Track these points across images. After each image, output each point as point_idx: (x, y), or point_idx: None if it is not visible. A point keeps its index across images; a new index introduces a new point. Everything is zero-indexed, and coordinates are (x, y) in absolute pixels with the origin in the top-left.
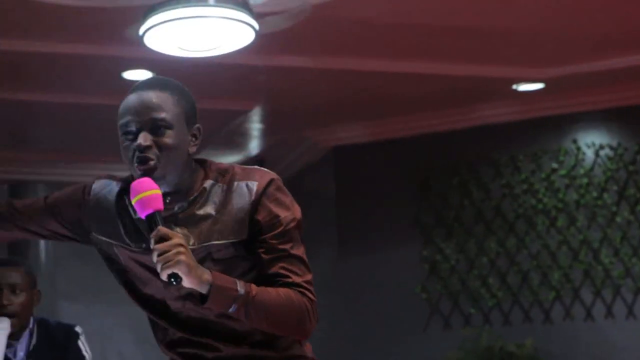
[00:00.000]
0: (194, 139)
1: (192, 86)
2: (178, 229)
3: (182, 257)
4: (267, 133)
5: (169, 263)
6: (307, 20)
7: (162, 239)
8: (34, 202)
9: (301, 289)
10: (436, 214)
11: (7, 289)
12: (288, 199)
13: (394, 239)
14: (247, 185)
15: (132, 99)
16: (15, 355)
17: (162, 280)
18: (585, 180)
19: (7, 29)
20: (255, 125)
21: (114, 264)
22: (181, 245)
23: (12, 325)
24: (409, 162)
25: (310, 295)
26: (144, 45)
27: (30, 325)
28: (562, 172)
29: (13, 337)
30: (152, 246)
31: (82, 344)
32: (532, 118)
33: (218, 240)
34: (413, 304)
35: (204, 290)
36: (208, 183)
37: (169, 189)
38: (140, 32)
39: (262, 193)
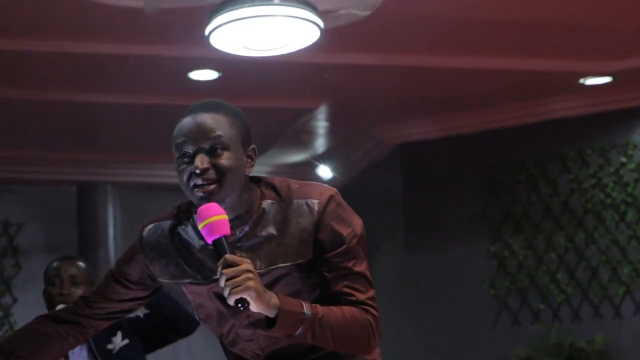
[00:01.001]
0: (249, 160)
1: (258, 85)
2: (243, 254)
3: (251, 283)
4: (333, 131)
5: (238, 288)
6: (372, 17)
7: (230, 265)
8: (102, 282)
9: (365, 307)
10: (504, 210)
11: (68, 280)
12: (349, 214)
13: (461, 235)
14: (307, 204)
15: (187, 121)
16: None
17: (228, 306)
18: None
19: (75, 32)
20: (321, 124)
21: (192, 310)
22: (249, 270)
23: None
24: (475, 157)
25: (373, 311)
26: (210, 45)
27: None
28: (631, 166)
29: None
30: (219, 271)
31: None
32: (599, 112)
33: (284, 262)
34: (481, 300)
35: (271, 314)
36: (266, 203)
37: (230, 214)
38: (207, 32)
39: (324, 212)
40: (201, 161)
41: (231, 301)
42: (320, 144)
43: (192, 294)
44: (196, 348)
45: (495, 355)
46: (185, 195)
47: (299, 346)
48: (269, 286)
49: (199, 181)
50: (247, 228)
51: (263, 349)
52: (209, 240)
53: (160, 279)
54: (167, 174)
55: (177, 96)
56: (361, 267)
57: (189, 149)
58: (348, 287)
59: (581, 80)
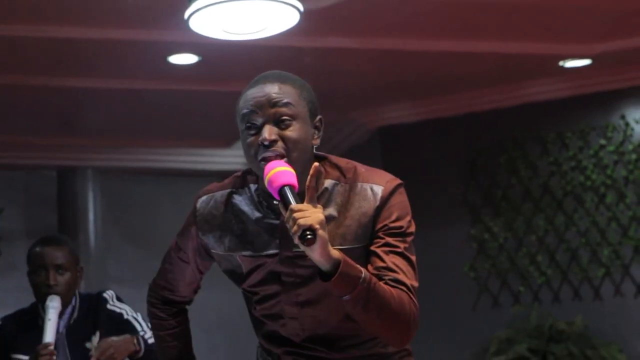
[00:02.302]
0: (317, 131)
1: (237, 69)
2: None
3: (321, 216)
4: None
5: (307, 218)
6: (352, 0)
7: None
8: (168, 265)
9: (410, 293)
10: (484, 193)
11: (53, 269)
12: (408, 206)
13: (441, 218)
14: (371, 189)
15: (253, 91)
16: (58, 331)
17: (281, 281)
18: (633, 156)
19: (55, 17)
20: None
21: (240, 281)
22: (320, 216)
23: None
24: (455, 141)
25: (415, 300)
26: (190, 29)
27: (74, 303)
28: (611, 148)
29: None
30: (286, 218)
31: (112, 306)
32: (579, 94)
33: (342, 245)
34: (462, 283)
35: (328, 266)
36: (329, 182)
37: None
38: (186, 15)
39: (387, 198)
40: (269, 132)
41: (299, 231)
42: None
43: (247, 265)
44: None
45: (475, 338)
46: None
47: (340, 334)
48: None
49: (268, 153)
50: None
51: (304, 330)
52: (275, 190)
53: (214, 251)
54: (147, 159)
55: (157, 80)
56: (412, 256)
57: (256, 120)
58: (396, 265)
59: (561, 63)
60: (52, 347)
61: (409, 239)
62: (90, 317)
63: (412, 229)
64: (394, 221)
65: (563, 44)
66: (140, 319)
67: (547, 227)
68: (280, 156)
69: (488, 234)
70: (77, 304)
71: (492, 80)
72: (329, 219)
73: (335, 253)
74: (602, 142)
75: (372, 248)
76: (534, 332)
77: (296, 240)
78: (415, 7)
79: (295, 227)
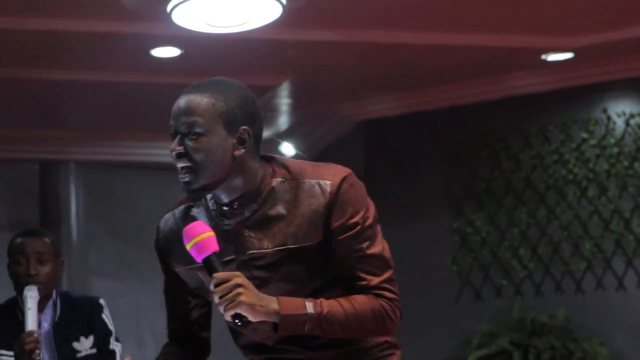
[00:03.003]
0: (241, 143)
1: (220, 62)
2: (252, 234)
3: (242, 298)
4: (296, 108)
5: (230, 305)
6: None
7: (220, 282)
8: (167, 301)
9: (378, 291)
10: (466, 186)
11: (34, 259)
12: (361, 194)
13: (424, 211)
14: (319, 185)
15: (176, 102)
16: (40, 326)
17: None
18: (616, 150)
19: (37, 9)
20: (284, 100)
21: (205, 293)
22: (239, 285)
23: (39, 293)
24: (438, 134)
25: (387, 294)
26: (172, 22)
27: (54, 297)
28: (593, 141)
29: (38, 309)
30: (211, 290)
31: (106, 317)
32: (561, 88)
33: (294, 244)
34: (444, 276)
35: (274, 319)
36: (276, 181)
37: (229, 197)
38: (168, 8)
39: (337, 193)
40: (174, 145)
41: (227, 318)
42: (284, 121)
43: (207, 279)
44: (160, 328)
45: (458, 331)
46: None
47: (311, 333)
48: (278, 266)
49: (178, 165)
50: (255, 206)
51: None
52: (199, 260)
53: (176, 269)
54: (130, 152)
55: (139, 73)
56: (376, 249)
57: (172, 130)
58: (361, 270)
59: (543, 56)
60: (36, 335)
61: (369, 231)
62: (83, 319)
63: (370, 219)
64: (349, 219)
65: (545, 37)
66: (118, 349)
67: (530, 221)
68: (187, 171)
69: (470, 227)
70: (58, 300)
71: (474, 73)
72: (278, 217)
73: (273, 307)
74: (584, 135)
75: (337, 255)
76: (516, 326)
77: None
78: (397, 0)
79: (224, 315)
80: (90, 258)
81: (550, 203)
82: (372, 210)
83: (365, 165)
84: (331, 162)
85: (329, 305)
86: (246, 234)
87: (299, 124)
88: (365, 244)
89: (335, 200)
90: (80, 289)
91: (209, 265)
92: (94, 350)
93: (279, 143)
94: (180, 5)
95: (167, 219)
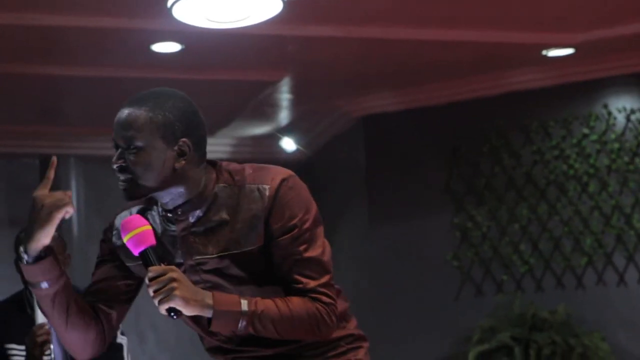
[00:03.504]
0: (179, 155)
1: (220, 57)
2: (197, 239)
3: (176, 292)
4: (297, 103)
5: (164, 299)
6: None
7: (154, 277)
8: (95, 272)
9: (314, 294)
10: (467, 182)
11: None
12: (302, 197)
13: (425, 207)
14: (258, 190)
15: (117, 114)
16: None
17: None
18: (616, 145)
19: (36, 4)
20: (284, 96)
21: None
22: (174, 279)
23: None
24: (439, 130)
25: (324, 298)
26: (173, 18)
27: None
28: (593, 137)
29: None
30: (146, 284)
31: None
32: (562, 84)
33: (235, 249)
34: (445, 272)
35: (208, 315)
36: (219, 187)
37: (174, 203)
38: (169, 4)
39: (275, 197)
40: (115, 159)
41: (162, 312)
42: (284, 116)
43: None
44: (160, 323)
45: (458, 327)
46: None
47: None
48: (225, 270)
49: (120, 176)
50: (199, 213)
51: (234, 334)
52: (135, 253)
53: (128, 264)
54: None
55: (140, 69)
56: (314, 252)
57: (113, 143)
58: (299, 274)
59: (544, 52)
60: (47, 327)
61: (307, 234)
62: None
63: (309, 222)
64: (286, 222)
65: (546, 33)
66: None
67: (530, 216)
68: (127, 181)
69: (471, 222)
70: None
71: (475, 69)
72: (222, 223)
73: (207, 302)
74: (585, 131)
75: (275, 258)
76: (516, 321)
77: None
78: None
79: (159, 309)
80: (90, 253)
81: (551, 198)
82: (313, 212)
83: (366, 161)
84: (332, 158)
85: (263, 304)
86: (191, 239)
87: (300, 120)
88: (302, 247)
89: (273, 204)
90: (81, 284)
91: (145, 259)
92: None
93: (279, 138)
94: (181, 1)
95: (123, 216)
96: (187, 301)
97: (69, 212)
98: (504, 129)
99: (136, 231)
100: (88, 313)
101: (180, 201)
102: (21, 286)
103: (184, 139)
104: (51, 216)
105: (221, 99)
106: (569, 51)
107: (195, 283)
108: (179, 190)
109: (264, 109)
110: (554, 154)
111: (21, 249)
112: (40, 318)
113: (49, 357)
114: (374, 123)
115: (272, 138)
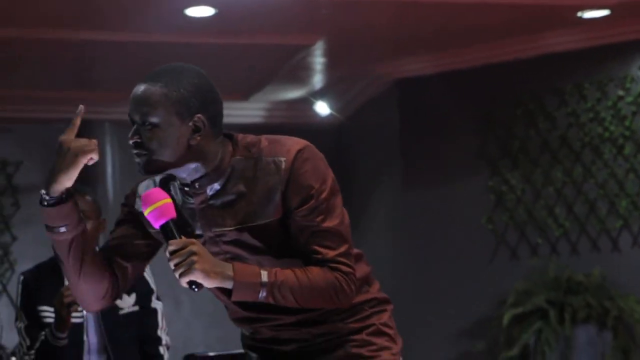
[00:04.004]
0: (196, 130)
1: (254, 21)
2: (215, 212)
3: (197, 265)
4: (330, 67)
5: (185, 272)
6: None
7: (175, 250)
8: (114, 230)
9: (333, 264)
10: (501, 145)
11: None
12: (318, 167)
13: (459, 170)
14: (274, 162)
15: (133, 90)
16: None
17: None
18: None
19: None
20: (318, 60)
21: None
22: (194, 252)
23: None
24: (473, 93)
25: (343, 267)
26: None
27: None
28: (629, 99)
29: None
30: (167, 256)
31: (148, 275)
32: (597, 45)
33: (253, 222)
34: (479, 236)
35: (229, 286)
36: (236, 160)
37: (191, 177)
38: None
39: (291, 169)
40: (131, 135)
41: (183, 284)
42: (318, 80)
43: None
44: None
45: (493, 290)
46: None
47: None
48: (244, 242)
49: (135, 151)
50: (217, 186)
51: (255, 303)
52: (156, 226)
53: (150, 231)
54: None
55: (173, 33)
56: (332, 222)
57: (129, 119)
58: (317, 244)
59: (579, 14)
60: None
61: (325, 204)
62: None
63: (326, 192)
64: (303, 194)
65: None
66: (160, 307)
67: (565, 179)
68: (141, 156)
69: (506, 186)
70: None
71: (509, 31)
72: (240, 195)
73: (228, 273)
74: (621, 93)
75: (293, 229)
76: (551, 284)
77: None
78: None
79: (180, 282)
80: None
81: (586, 161)
82: (330, 182)
83: (400, 124)
84: (366, 121)
85: (283, 274)
86: (210, 212)
87: (333, 84)
88: (319, 218)
89: (289, 176)
90: None
91: (166, 232)
92: (136, 308)
93: (313, 102)
94: None
95: (147, 185)
96: (207, 273)
97: (94, 158)
98: (538, 91)
99: (157, 204)
100: (103, 264)
101: (197, 175)
102: None
103: (199, 115)
104: (76, 159)
105: (255, 63)
106: (604, 12)
107: (215, 254)
108: (195, 165)
109: (298, 73)
110: (589, 116)
111: (42, 191)
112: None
113: (80, 318)
114: (408, 86)
115: (306, 102)
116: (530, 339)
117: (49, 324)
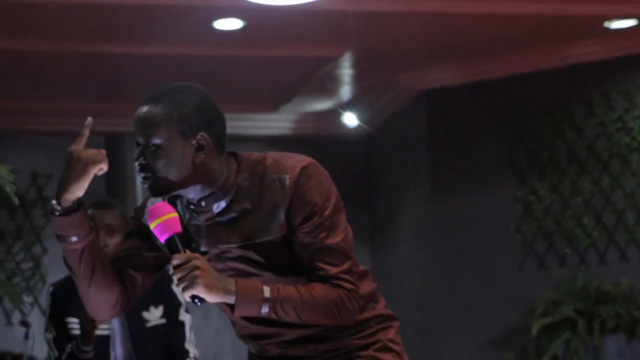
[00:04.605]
0: (198, 149)
1: (282, 33)
2: (221, 229)
3: (199, 280)
4: (358, 78)
5: (188, 286)
6: None
7: (179, 264)
8: (124, 242)
9: (336, 281)
10: (529, 155)
11: (104, 230)
12: (322, 184)
13: (487, 181)
14: (279, 180)
15: (136, 112)
16: None
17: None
18: None
19: None
20: (345, 71)
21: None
22: (197, 267)
23: None
24: (500, 103)
25: (346, 284)
26: None
27: None
28: None
29: None
30: (170, 271)
31: (176, 289)
32: (624, 55)
33: (259, 239)
34: (507, 246)
35: (231, 301)
36: (241, 178)
37: (197, 196)
38: None
39: (295, 186)
40: (137, 157)
41: (186, 298)
42: (345, 91)
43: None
44: None
45: (522, 300)
46: None
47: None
48: (249, 259)
49: (141, 174)
50: (223, 203)
51: (261, 319)
52: (162, 240)
53: (158, 244)
54: None
55: (202, 46)
56: (335, 239)
57: (135, 141)
58: (320, 261)
59: (606, 24)
60: None
61: (328, 221)
62: (152, 289)
63: (329, 209)
64: (307, 211)
65: (608, 5)
66: (188, 320)
67: (593, 189)
68: (149, 178)
69: (534, 196)
70: None
71: (536, 42)
72: (245, 213)
73: (230, 288)
74: None
75: (297, 246)
76: (580, 294)
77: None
78: None
79: (183, 296)
80: None
81: (614, 171)
82: (333, 199)
83: (428, 135)
84: (394, 133)
85: (286, 290)
86: (216, 229)
87: (361, 95)
88: (323, 234)
89: (293, 194)
90: None
91: (171, 246)
92: (163, 321)
93: (341, 114)
94: None
95: (154, 200)
96: (209, 288)
97: (103, 168)
98: (566, 101)
99: (163, 218)
100: (113, 275)
101: (203, 194)
102: None
103: (202, 133)
104: (86, 169)
105: (283, 75)
106: (631, 22)
107: (220, 271)
108: (201, 184)
109: (326, 85)
110: (617, 126)
111: (53, 201)
112: None
113: (106, 330)
114: (435, 97)
115: (334, 114)
116: (559, 349)
117: (76, 335)
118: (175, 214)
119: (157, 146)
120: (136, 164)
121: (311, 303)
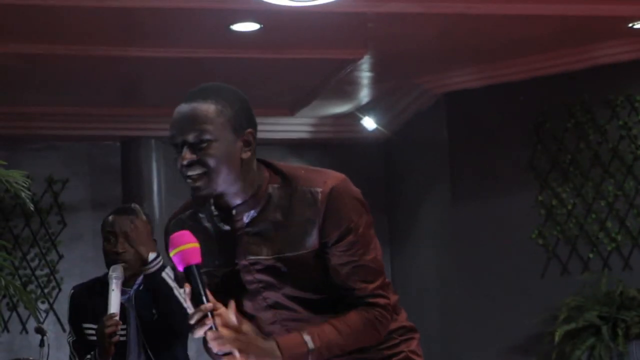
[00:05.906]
0: (246, 145)
1: (300, 36)
2: (251, 240)
3: (252, 348)
4: (377, 81)
5: (242, 347)
6: None
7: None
8: None
9: (372, 299)
10: (551, 158)
11: (122, 237)
12: (355, 201)
13: (509, 184)
14: (311, 192)
15: (176, 111)
16: (128, 300)
17: (246, 290)
18: None
19: None
20: (365, 74)
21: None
22: (249, 337)
23: (124, 272)
24: (522, 105)
25: (381, 300)
26: None
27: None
28: None
29: (127, 284)
30: (189, 312)
31: (167, 275)
32: None
33: (291, 252)
34: (530, 250)
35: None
36: (272, 188)
37: (234, 201)
38: None
39: (327, 201)
40: (185, 155)
41: (220, 350)
42: (364, 94)
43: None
44: None
45: (544, 305)
46: None
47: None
48: (280, 271)
49: (187, 173)
50: (253, 213)
51: (289, 331)
52: (180, 269)
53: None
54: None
55: (219, 49)
56: (371, 255)
57: (177, 141)
58: (356, 279)
59: (630, 25)
60: (117, 318)
61: (362, 239)
62: (151, 286)
63: (362, 227)
64: (340, 229)
65: (632, 5)
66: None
67: (617, 193)
68: (199, 177)
69: (556, 199)
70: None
71: (559, 43)
72: (276, 224)
73: (275, 353)
74: None
75: (331, 264)
76: (604, 299)
77: None
78: None
79: (216, 346)
80: None
81: (638, 174)
82: (365, 217)
83: (449, 138)
84: (414, 136)
85: (325, 334)
86: (245, 239)
87: (380, 98)
88: (359, 252)
89: (326, 209)
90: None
91: (188, 275)
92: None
93: (360, 117)
94: None
95: (175, 225)
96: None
97: None
98: (589, 103)
99: (183, 247)
100: None
101: (236, 201)
102: (104, 268)
103: (249, 129)
104: None
105: (301, 78)
106: None
107: (248, 282)
108: (242, 186)
109: (344, 88)
110: None
111: None
112: (112, 306)
113: (123, 337)
114: (456, 100)
115: (353, 117)
116: (582, 355)
117: (93, 341)
118: (196, 245)
119: (210, 142)
120: (184, 162)
121: (351, 335)
